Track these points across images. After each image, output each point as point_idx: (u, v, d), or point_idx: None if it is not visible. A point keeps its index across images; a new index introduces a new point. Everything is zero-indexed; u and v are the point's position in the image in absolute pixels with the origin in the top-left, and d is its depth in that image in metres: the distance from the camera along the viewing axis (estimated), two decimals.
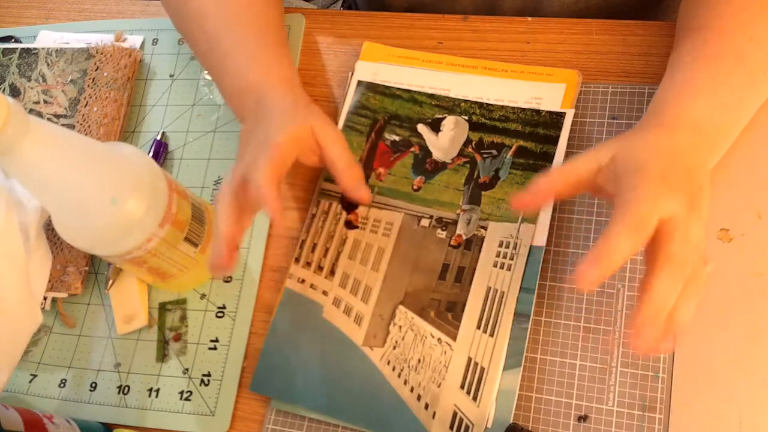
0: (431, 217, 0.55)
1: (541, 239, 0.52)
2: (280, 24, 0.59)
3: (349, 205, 0.57)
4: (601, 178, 0.44)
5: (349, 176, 0.52)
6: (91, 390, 0.56)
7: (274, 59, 0.55)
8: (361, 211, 0.57)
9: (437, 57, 0.61)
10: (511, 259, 0.52)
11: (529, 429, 0.48)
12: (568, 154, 0.55)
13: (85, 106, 0.65)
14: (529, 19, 0.61)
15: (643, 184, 0.41)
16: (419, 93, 0.60)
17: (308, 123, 0.51)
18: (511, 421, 0.47)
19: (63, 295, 0.59)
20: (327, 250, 0.56)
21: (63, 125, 0.64)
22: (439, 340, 0.51)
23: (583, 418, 0.48)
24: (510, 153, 0.55)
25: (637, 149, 0.43)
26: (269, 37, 0.57)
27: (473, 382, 0.49)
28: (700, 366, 0.47)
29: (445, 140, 0.57)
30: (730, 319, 0.48)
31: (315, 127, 0.51)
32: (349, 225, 0.56)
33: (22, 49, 0.69)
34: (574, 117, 0.56)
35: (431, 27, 0.63)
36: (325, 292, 0.55)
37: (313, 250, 0.56)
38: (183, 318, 0.57)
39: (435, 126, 0.58)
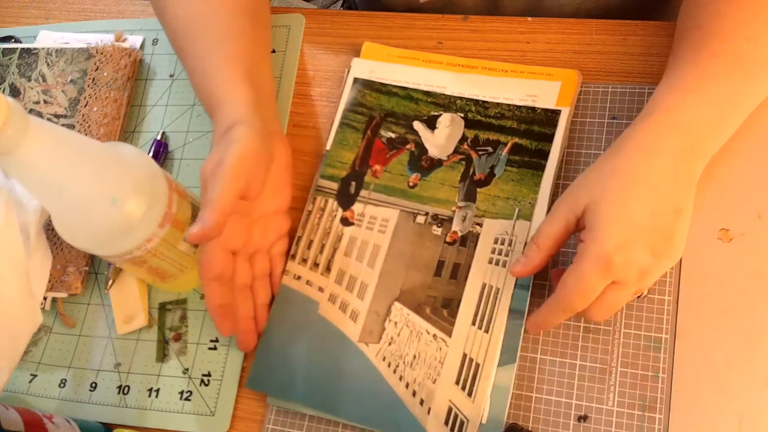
0: (427, 214, 0.55)
1: None
2: (257, 37, 0.57)
3: (345, 202, 0.57)
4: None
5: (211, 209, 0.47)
6: (91, 390, 0.56)
7: (244, 81, 0.53)
8: (356, 208, 0.57)
9: (437, 57, 0.61)
10: (507, 255, 0.52)
11: (529, 429, 0.48)
12: (567, 153, 0.55)
13: (85, 106, 0.65)
14: (529, 19, 0.61)
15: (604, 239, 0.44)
16: (415, 90, 0.60)
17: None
18: (506, 417, 0.48)
19: (63, 295, 0.59)
20: (323, 246, 0.56)
21: (63, 125, 0.64)
22: (434, 336, 0.51)
23: (583, 418, 0.48)
24: (505, 150, 0.56)
25: (602, 206, 0.45)
26: (236, 54, 0.55)
27: (468, 377, 0.49)
28: (700, 366, 0.47)
29: (441, 137, 0.57)
30: (730, 319, 0.48)
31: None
32: (345, 222, 0.56)
33: (22, 49, 0.69)
34: (574, 117, 0.56)
35: (431, 27, 0.63)
36: (321, 289, 0.55)
37: (309, 247, 0.56)
38: (183, 318, 0.57)
39: (431, 123, 0.58)
